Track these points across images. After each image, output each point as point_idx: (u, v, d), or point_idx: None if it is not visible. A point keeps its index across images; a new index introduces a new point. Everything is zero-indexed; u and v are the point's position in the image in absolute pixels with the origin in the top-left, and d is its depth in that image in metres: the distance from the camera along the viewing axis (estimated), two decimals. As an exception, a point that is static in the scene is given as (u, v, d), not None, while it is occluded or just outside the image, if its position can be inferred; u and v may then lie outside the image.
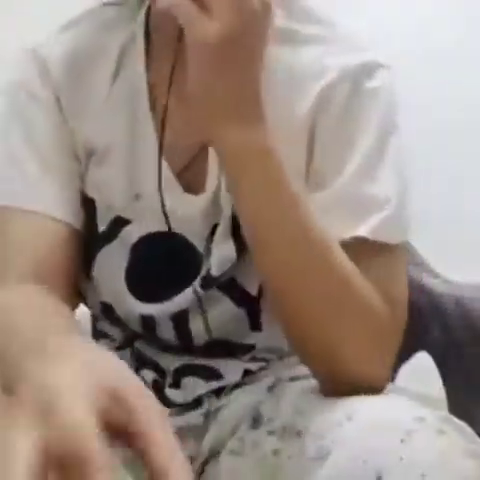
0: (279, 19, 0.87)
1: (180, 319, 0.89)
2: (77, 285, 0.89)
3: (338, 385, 0.78)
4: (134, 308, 0.89)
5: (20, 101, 0.87)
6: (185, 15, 0.70)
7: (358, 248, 0.80)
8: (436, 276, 1.14)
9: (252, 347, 0.93)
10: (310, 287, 0.78)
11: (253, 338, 0.92)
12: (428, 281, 1.13)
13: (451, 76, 2.18)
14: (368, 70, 0.85)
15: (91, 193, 0.88)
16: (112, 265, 0.88)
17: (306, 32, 0.87)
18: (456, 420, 0.73)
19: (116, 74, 0.87)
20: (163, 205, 0.85)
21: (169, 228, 0.85)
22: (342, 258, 0.79)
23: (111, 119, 0.86)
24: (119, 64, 0.87)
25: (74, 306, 0.89)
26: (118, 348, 0.97)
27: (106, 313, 0.92)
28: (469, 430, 0.73)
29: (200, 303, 0.87)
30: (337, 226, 0.81)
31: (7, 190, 0.86)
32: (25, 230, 0.84)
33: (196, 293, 0.87)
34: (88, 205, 0.88)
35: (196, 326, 0.89)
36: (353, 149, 0.83)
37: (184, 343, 0.91)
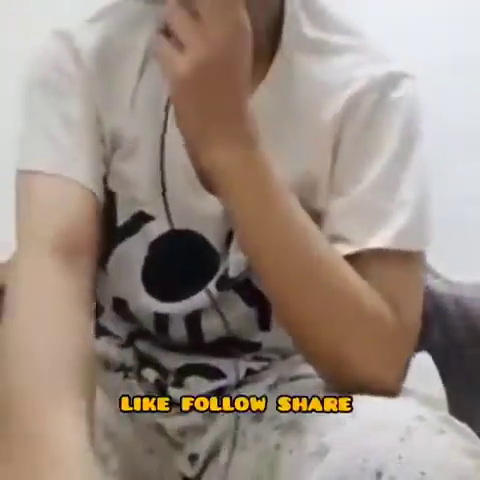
0: (308, 29, 0.88)
1: (193, 318, 0.90)
2: (98, 261, 0.84)
3: (345, 387, 0.78)
4: (149, 306, 0.90)
5: (53, 78, 0.85)
6: (159, 52, 0.74)
7: (371, 257, 0.81)
8: (437, 276, 1.14)
9: (258, 345, 0.93)
10: (312, 302, 0.78)
11: (260, 337, 0.92)
12: (429, 282, 1.13)
13: (456, 81, 2.18)
14: (394, 80, 0.86)
15: (112, 185, 0.87)
16: (129, 260, 0.88)
17: (335, 42, 0.88)
18: (456, 421, 0.73)
19: (143, 69, 0.87)
20: (166, 204, 0.84)
21: (172, 226, 0.85)
22: (344, 269, 0.79)
23: (138, 115, 0.86)
24: (146, 59, 0.87)
25: (95, 280, 0.83)
26: (121, 346, 0.97)
27: (118, 309, 0.92)
28: (469, 431, 0.73)
29: (215, 303, 0.87)
30: (352, 233, 0.82)
31: (43, 158, 0.83)
32: (59, 196, 0.81)
33: (210, 293, 0.87)
34: (109, 198, 0.87)
35: (208, 325, 0.90)
36: (375, 157, 0.84)
37: (194, 342, 0.92)
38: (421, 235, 0.84)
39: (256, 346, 0.93)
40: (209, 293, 0.87)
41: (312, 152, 0.85)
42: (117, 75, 0.86)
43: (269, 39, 0.87)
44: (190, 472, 0.91)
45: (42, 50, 0.88)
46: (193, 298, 0.88)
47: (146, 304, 0.90)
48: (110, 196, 0.87)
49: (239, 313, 0.89)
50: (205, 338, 0.91)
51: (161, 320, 0.91)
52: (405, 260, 0.82)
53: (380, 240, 0.81)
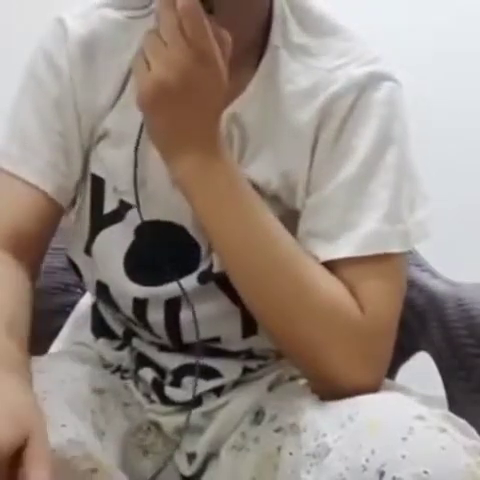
0: (295, 33, 0.88)
1: (171, 309, 0.90)
2: (42, 256, 0.92)
3: (325, 387, 0.80)
4: (128, 290, 0.90)
5: (40, 69, 0.89)
6: (135, 66, 0.79)
7: (338, 261, 0.82)
8: (436, 276, 1.14)
9: (249, 350, 0.93)
10: (276, 295, 0.80)
11: (247, 343, 0.92)
12: (428, 281, 1.13)
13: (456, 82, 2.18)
14: (374, 80, 0.86)
15: (100, 173, 0.89)
16: (114, 245, 0.90)
17: (321, 45, 0.88)
18: (456, 418, 0.73)
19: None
20: (137, 196, 0.86)
21: (141, 219, 0.87)
22: (311, 266, 0.81)
23: (127, 107, 0.87)
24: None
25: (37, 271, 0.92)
26: (118, 348, 0.98)
27: (101, 293, 0.93)
28: (469, 428, 0.73)
29: (189, 296, 0.87)
30: (323, 232, 0.83)
31: (7, 154, 0.89)
32: (14, 196, 0.87)
33: (189, 286, 0.87)
34: (97, 184, 0.90)
35: (186, 319, 0.89)
36: (348, 157, 0.84)
37: (172, 336, 0.91)
38: (394, 237, 0.83)
39: (245, 351, 0.93)
40: (187, 285, 0.87)
41: (292, 152, 0.86)
42: (107, 66, 0.88)
43: (257, 43, 0.88)
44: (187, 471, 0.91)
45: (41, 37, 0.90)
46: (170, 285, 0.88)
47: (126, 289, 0.90)
48: (99, 182, 0.89)
49: (222, 310, 0.89)
50: (183, 335, 0.91)
51: (139, 306, 0.91)
52: (375, 262, 0.82)
53: (348, 245, 0.82)
